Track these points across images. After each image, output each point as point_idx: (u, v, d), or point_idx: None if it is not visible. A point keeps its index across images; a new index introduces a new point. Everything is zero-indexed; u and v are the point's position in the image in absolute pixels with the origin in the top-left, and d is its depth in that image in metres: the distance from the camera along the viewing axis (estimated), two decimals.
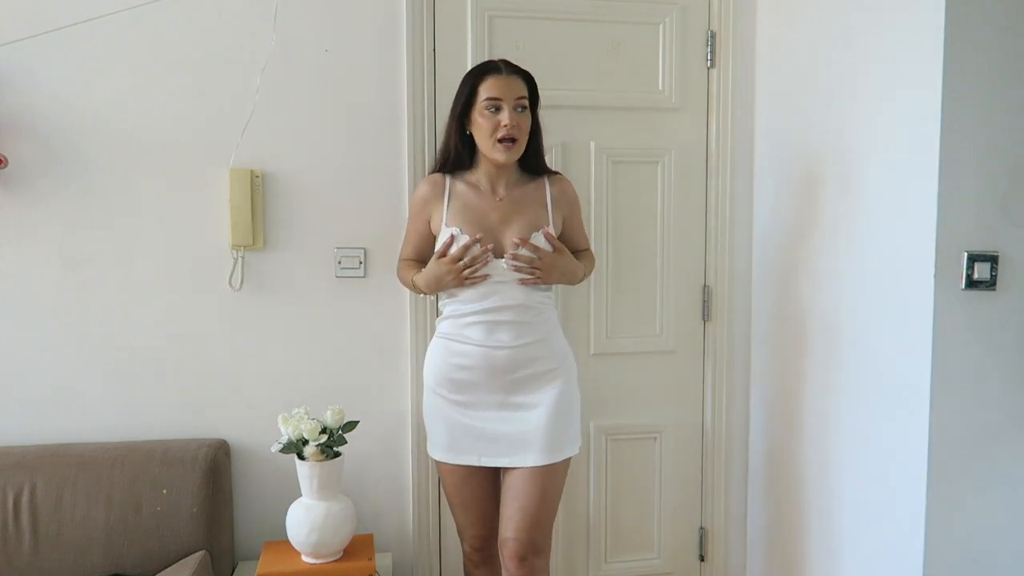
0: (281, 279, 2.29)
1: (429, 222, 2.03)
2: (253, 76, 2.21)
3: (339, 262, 2.31)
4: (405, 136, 2.31)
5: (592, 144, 2.42)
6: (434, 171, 2.07)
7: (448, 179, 2.02)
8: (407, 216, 2.16)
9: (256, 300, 2.28)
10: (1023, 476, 1.80)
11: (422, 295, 2.23)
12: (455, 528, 2.12)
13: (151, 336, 2.24)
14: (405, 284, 2.11)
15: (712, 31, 2.49)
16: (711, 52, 2.49)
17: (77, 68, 2.16)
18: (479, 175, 2.01)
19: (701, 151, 2.52)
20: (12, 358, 2.19)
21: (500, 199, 1.99)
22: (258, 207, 2.25)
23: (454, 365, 1.97)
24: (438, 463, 2.05)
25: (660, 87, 2.47)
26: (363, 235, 2.32)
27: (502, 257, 1.94)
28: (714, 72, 2.50)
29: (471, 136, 1.98)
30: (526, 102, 1.95)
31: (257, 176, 2.25)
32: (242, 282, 2.27)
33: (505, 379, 1.95)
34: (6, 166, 2.11)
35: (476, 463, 1.97)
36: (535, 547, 1.93)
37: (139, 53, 2.18)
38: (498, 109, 1.91)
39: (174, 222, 2.23)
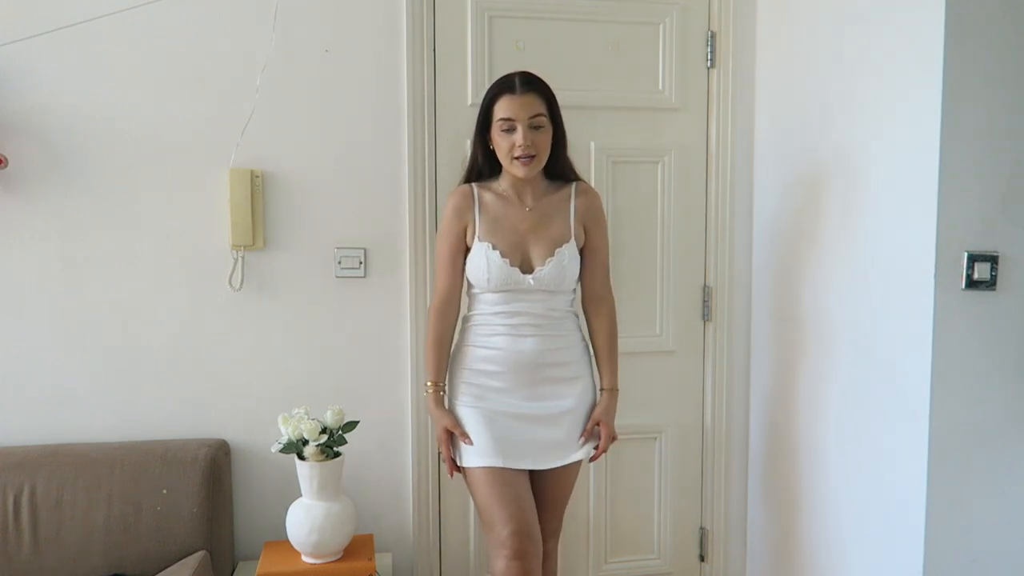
0: (281, 279, 2.29)
1: (464, 233, 1.96)
2: (253, 76, 2.21)
3: (339, 262, 2.31)
4: (405, 136, 2.31)
5: (592, 144, 2.42)
6: (462, 183, 2.02)
7: (476, 189, 1.97)
8: (441, 231, 2.01)
9: (256, 300, 2.28)
10: (1023, 476, 1.81)
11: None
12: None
13: (151, 336, 2.24)
14: (431, 335, 1.98)
15: (712, 31, 2.49)
16: (711, 52, 2.49)
17: (77, 68, 2.16)
18: (505, 184, 1.97)
19: (701, 151, 2.52)
20: (12, 358, 2.19)
21: (529, 209, 1.96)
22: (258, 207, 2.25)
23: (479, 371, 1.95)
24: (481, 469, 1.90)
25: (660, 87, 2.47)
26: (363, 235, 2.32)
27: (530, 272, 1.92)
28: (714, 72, 2.50)
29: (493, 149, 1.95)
30: (543, 119, 1.88)
31: (257, 176, 2.25)
32: (242, 282, 2.27)
33: (531, 376, 1.94)
34: (6, 166, 2.11)
35: (531, 467, 1.93)
36: (557, 532, 2.10)
37: (139, 53, 2.19)
38: (512, 130, 1.87)
39: (174, 222, 2.23)
